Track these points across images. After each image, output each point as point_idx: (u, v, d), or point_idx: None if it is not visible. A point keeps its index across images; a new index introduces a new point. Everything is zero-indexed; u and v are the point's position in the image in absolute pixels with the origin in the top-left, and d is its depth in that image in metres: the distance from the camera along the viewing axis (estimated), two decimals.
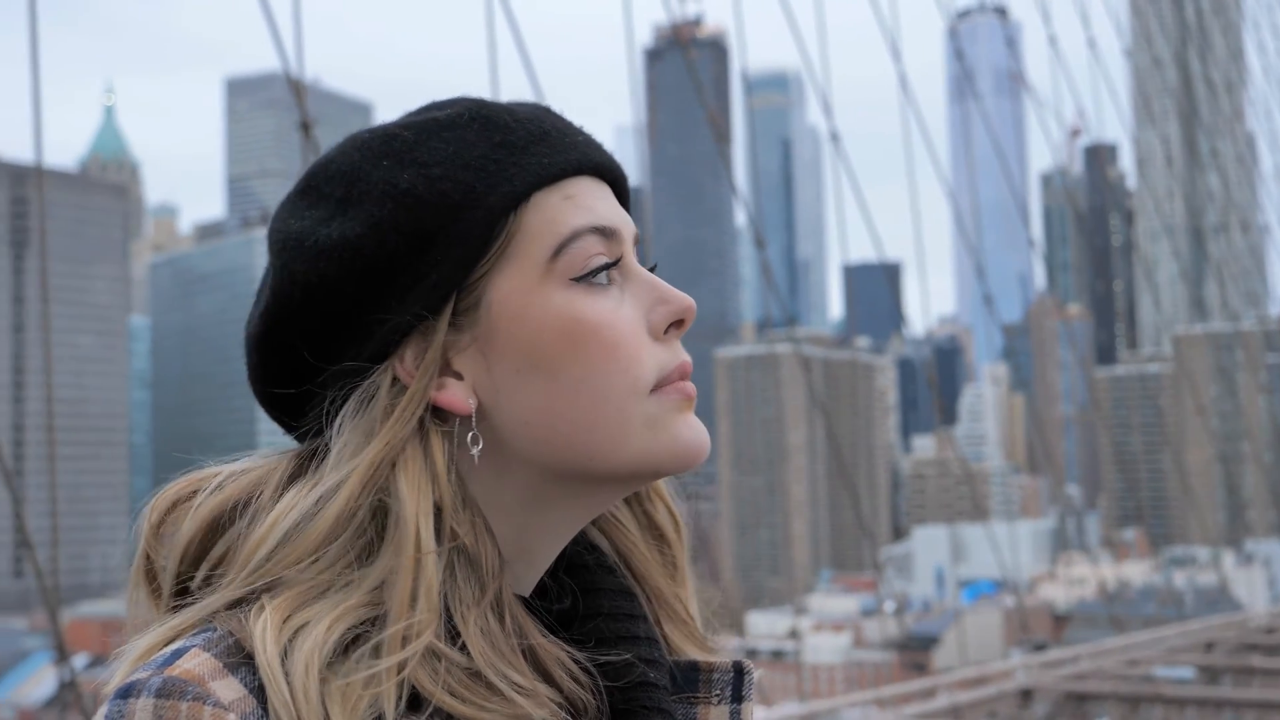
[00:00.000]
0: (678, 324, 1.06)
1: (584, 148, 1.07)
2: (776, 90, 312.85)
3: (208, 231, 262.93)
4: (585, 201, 1.05)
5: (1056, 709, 13.87)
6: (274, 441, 1.12)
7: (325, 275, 1.01)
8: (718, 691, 1.09)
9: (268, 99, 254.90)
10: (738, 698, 1.10)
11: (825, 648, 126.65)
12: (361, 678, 0.93)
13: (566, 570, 1.10)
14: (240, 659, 0.93)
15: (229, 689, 0.91)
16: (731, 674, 1.10)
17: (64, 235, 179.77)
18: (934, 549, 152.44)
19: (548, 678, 0.99)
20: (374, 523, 0.99)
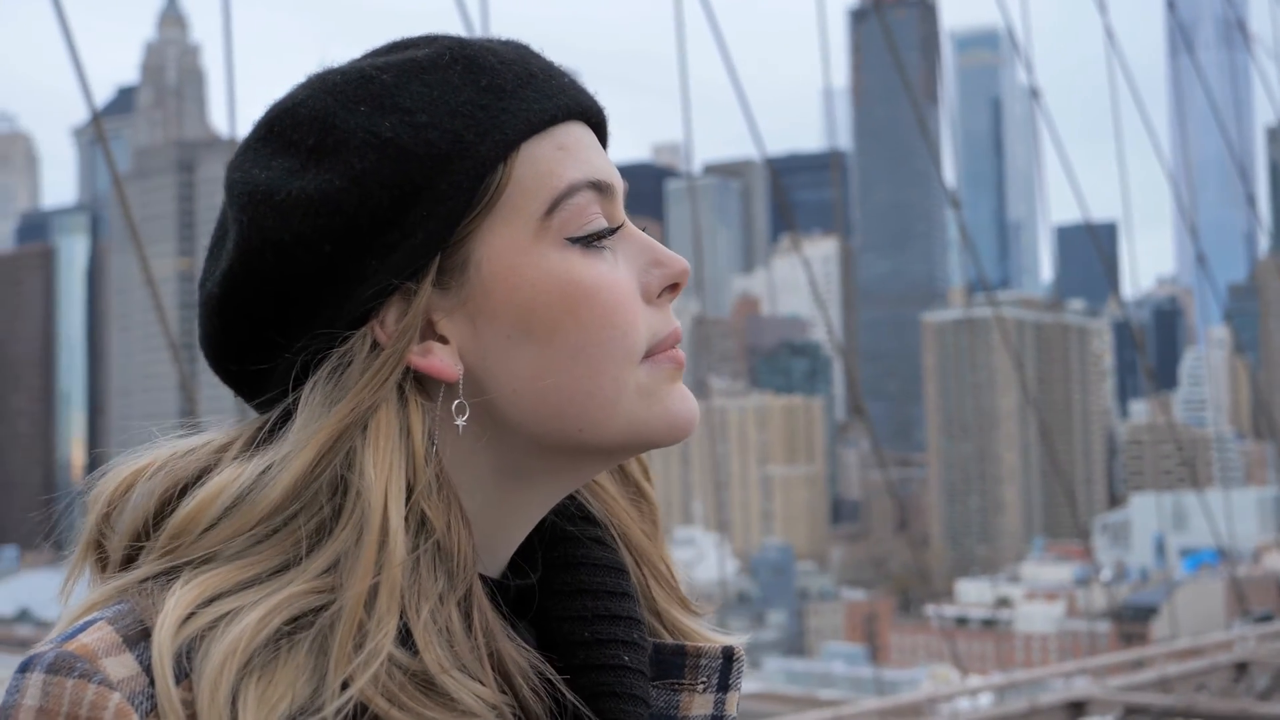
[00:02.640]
0: (671, 288, 1.00)
1: (571, 90, 1.00)
2: (986, 48, 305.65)
3: None
4: (580, 153, 0.98)
5: (1275, 683, 13.37)
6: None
7: (300, 233, 0.92)
8: (704, 679, 1.03)
9: None
10: (724, 685, 1.03)
11: (1038, 616, 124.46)
12: (304, 696, 0.85)
13: (549, 542, 1.03)
14: (143, 633, 0.87)
15: (121, 666, 0.85)
16: (720, 660, 1.04)
17: None
18: (1152, 517, 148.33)
19: (508, 684, 0.92)
20: (332, 500, 0.91)
